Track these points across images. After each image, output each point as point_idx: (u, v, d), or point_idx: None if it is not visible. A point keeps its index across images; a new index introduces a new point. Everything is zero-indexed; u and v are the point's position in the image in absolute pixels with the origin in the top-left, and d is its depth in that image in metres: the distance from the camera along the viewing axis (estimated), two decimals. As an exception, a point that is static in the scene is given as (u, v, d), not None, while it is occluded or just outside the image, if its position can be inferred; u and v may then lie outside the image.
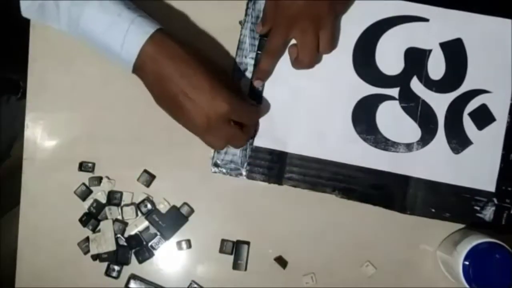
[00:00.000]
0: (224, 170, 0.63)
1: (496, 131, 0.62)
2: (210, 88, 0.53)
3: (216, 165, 0.63)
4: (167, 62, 0.53)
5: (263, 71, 0.62)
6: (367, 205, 0.62)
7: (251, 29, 0.63)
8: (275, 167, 0.63)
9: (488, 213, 0.62)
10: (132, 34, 0.52)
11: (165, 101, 0.55)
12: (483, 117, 0.63)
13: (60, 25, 0.56)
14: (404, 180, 0.62)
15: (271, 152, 0.63)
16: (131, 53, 0.53)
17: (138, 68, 0.54)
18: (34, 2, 0.55)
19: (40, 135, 0.64)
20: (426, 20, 0.63)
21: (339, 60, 0.63)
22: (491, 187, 0.62)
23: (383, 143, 0.63)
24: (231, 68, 0.63)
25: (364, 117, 0.63)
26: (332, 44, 0.60)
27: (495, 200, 0.62)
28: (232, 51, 0.63)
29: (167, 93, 0.54)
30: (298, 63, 0.60)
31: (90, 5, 0.53)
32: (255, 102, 0.62)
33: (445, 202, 0.62)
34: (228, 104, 0.54)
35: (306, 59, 0.59)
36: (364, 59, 0.63)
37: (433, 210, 0.62)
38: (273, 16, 0.59)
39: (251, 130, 0.61)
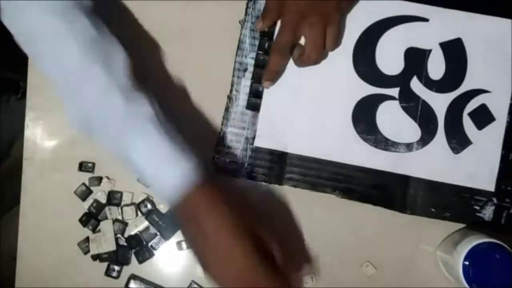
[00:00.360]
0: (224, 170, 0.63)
1: (495, 131, 0.62)
2: (234, 247, 0.50)
3: (216, 165, 0.63)
4: (202, 212, 0.50)
5: (273, 71, 0.61)
6: (367, 205, 0.62)
7: (251, 29, 0.63)
8: (275, 167, 0.63)
9: (487, 213, 0.62)
10: (173, 176, 0.50)
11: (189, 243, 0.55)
12: (482, 117, 0.63)
13: (100, 140, 0.53)
14: (404, 180, 0.62)
15: (271, 152, 0.63)
16: (171, 195, 0.51)
17: (176, 208, 0.52)
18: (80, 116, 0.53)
19: (40, 135, 0.64)
20: (426, 20, 0.63)
21: (339, 60, 0.63)
22: (490, 186, 0.62)
23: (383, 143, 0.63)
24: (231, 68, 0.63)
25: (364, 117, 0.63)
26: (337, 41, 0.60)
27: (494, 199, 0.62)
28: (232, 51, 0.63)
29: (192, 244, 0.53)
30: (304, 59, 0.60)
31: (137, 137, 0.51)
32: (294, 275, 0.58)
33: (445, 201, 0.62)
34: (250, 270, 0.50)
35: (314, 54, 0.59)
36: (364, 59, 0.63)
37: (433, 210, 0.62)
38: (278, 13, 0.59)
39: None
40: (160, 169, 0.51)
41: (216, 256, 0.50)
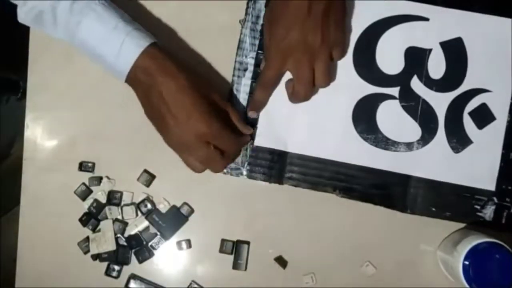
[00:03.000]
0: (224, 170, 0.63)
1: (496, 130, 0.62)
2: (192, 107, 0.54)
3: None
4: (157, 76, 0.54)
5: (258, 102, 0.62)
6: (367, 205, 0.62)
7: (252, 28, 0.63)
8: (276, 166, 0.63)
9: (488, 212, 0.62)
10: (126, 47, 0.54)
11: (151, 114, 0.57)
12: (483, 116, 0.62)
13: (57, 34, 0.57)
14: (404, 179, 0.62)
15: (272, 151, 0.63)
16: (125, 65, 0.54)
17: (131, 79, 0.55)
18: (31, 10, 0.56)
19: (40, 135, 0.64)
20: (426, 19, 0.63)
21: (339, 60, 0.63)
22: (491, 186, 0.62)
23: (383, 143, 0.63)
24: (232, 67, 0.63)
25: (364, 116, 0.63)
26: (328, 77, 0.58)
27: (495, 199, 0.62)
28: (233, 51, 0.63)
29: (154, 106, 0.55)
30: (294, 95, 0.59)
31: (88, 17, 0.54)
32: (250, 129, 0.61)
33: (445, 201, 0.62)
34: (207, 127, 0.54)
35: (302, 92, 0.58)
36: (364, 59, 0.63)
37: (433, 209, 0.62)
38: (267, 49, 0.58)
39: (231, 157, 0.60)
40: (112, 43, 0.54)
41: (175, 119, 0.54)
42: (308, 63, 0.56)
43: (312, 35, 0.55)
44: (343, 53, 0.60)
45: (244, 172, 0.63)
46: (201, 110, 0.54)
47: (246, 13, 0.63)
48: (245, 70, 0.63)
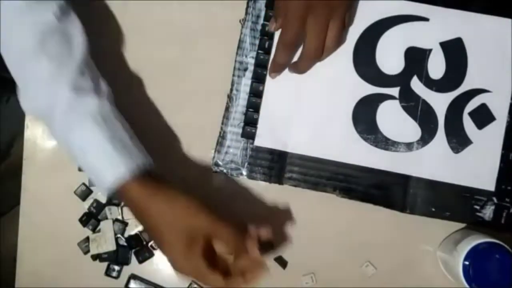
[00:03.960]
0: (224, 170, 0.63)
1: (496, 131, 0.62)
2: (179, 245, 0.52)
3: (216, 164, 0.63)
4: (144, 203, 0.53)
5: (280, 64, 0.61)
6: (367, 205, 0.62)
7: (252, 28, 0.63)
8: (276, 166, 0.63)
9: (487, 212, 0.62)
10: (116, 167, 0.52)
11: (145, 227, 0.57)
12: (483, 117, 0.62)
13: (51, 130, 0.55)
14: (404, 180, 0.62)
15: (272, 151, 0.63)
16: (111, 184, 0.52)
17: (117, 194, 0.54)
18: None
19: (40, 135, 0.64)
20: (426, 19, 0.63)
21: (339, 60, 0.63)
22: (490, 186, 0.62)
23: (383, 143, 0.63)
24: (232, 67, 0.63)
25: (364, 116, 0.63)
26: (340, 38, 0.58)
27: (494, 199, 0.62)
28: (233, 50, 0.63)
29: (145, 224, 0.55)
30: (303, 55, 0.59)
31: (83, 125, 0.52)
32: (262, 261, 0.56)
33: (445, 201, 0.62)
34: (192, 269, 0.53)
35: (312, 50, 0.58)
36: (364, 59, 0.63)
37: (433, 209, 0.62)
38: (286, 9, 0.58)
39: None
40: (96, 165, 0.52)
41: (163, 247, 0.54)
42: (325, 20, 0.57)
43: None
44: (352, 19, 0.61)
45: (244, 172, 0.63)
46: (190, 254, 0.52)
47: (246, 13, 0.63)
48: (245, 70, 0.63)
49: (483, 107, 0.63)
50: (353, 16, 0.62)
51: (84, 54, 0.54)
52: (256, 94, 0.63)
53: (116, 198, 0.62)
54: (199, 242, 0.52)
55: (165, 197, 0.53)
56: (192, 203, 0.54)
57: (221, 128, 0.63)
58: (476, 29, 0.63)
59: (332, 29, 0.57)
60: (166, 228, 0.53)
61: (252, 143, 0.63)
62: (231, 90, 0.63)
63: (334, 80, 0.63)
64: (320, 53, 0.59)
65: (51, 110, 0.52)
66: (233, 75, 0.63)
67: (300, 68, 0.61)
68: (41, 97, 0.53)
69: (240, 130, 0.63)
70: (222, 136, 0.63)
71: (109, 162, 0.52)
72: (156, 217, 0.53)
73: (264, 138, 0.63)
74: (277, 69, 0.62)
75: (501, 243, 0.55)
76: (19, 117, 0.64)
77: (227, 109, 0.63)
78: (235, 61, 0.63)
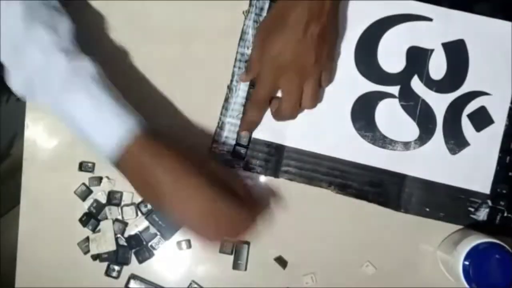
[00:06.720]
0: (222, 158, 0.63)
1: (493, 134, 0.62)
2: (193, 190, 0.52)
3: (214, 155, 0.63)
4: (149, 163, 0.52)
5: (251, 122, 0.62)
6: (368, 205, 0.62)
7: (255, 20, 0.63)
8: (272, 159, 0.63)
9: (482, 215, 0.62)
10: (116, 129, 0.52)
11: (145, 193, 0.55)
12: (481, 119, 0.63)
13: (43, 100, 0.54)
14: (400, 178, 0.63)
15: (269, 144, 0.63)
16: (113, 150, 0.52)
17: (118, 163, 0.53)
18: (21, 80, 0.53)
19: (40, 135, 0.64)
20: (429, 19, 0.63)
21: (340, 56, 0.63)
22: (486, 189, 0.62)
23: (381, 141, 0.63)
24: (233, 58, 0.63)
25: (363, 113, 0.63)
26: (316, 98, 0.59)
27: (489, 202, 0.62)
28: (234, 42, 0.63)
29: (149, 185, 0.53)
30: (279, 113, 0.60)
31: (79, 93, 0.52)
32: (253, 198, 0.59)
33: (439, 202, 0.62)
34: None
35: (288, 110, 0.59)
36: (365, 56, 0.63)
37: (427, 210, 0.62)
38: (258, 67, 0.58)
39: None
40: (102, 124, 0.52)
41: (175, 201, 0.52)
42: (299, 83, 0.57)
43: (306, 55, 0.56)
44: (330, 80, 0.61)
45: (241, 163, 0.63)
46: (203, 191, 0.52)
47: (250, 4, 0.63)
48: (246, 61, 0.63)
49: (482, 110, 0.63)
50: (333, 74, 0.62)
51: (71, 24, 0.54)
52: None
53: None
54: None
55: (172, 157, 0.53)
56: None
57: (220, 119, 0.63)
58: (479, 31, 0.63)
59: (307, 91, 0.58)
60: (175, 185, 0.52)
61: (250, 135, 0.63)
62: (231, 81, 0.63)
63: (335, 76, 0.63)
64: (295, 113, 0.60)
65: (48, 77, 0.52)
66: (234, 66, 0.63)
67: (278, 120, 0.61)
68: (37, 64, 0.52)
69: (239, 122, 0.63)
70: (220, 127, 0.63)
71: (117, 119, 0.52)
72: (163, 175, 0.52)
73: (262, 131, 0.63)
74: (249, 126, 0.62)
75: (501, 243, 0.55)
76: (19, 117, 0.64)
77: (226, 100, 0.63)
78: (237, 52, 0.63)
